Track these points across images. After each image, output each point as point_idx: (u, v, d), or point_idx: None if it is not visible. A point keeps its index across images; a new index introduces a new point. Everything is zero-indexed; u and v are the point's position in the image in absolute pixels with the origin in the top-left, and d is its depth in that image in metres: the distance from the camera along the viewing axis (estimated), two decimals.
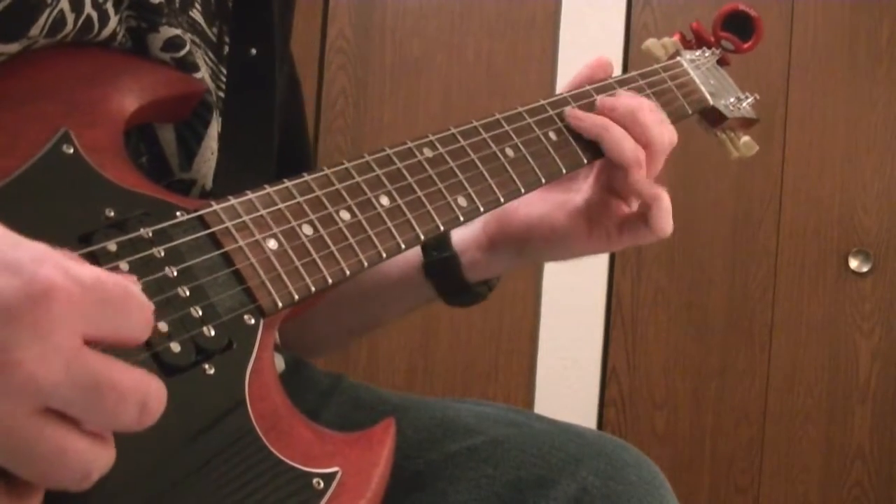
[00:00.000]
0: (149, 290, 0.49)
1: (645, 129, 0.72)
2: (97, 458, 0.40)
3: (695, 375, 2.23)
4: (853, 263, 2.24)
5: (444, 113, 2.16)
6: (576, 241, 0.75)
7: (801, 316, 2.25)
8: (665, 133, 0.74)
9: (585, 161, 0.72)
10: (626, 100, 0.75)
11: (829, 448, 2.24)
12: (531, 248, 0.77)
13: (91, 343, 0.39)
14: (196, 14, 0.67)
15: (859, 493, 2.25)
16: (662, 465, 0.70)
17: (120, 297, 0.40)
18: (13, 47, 0.54)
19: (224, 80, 0.69)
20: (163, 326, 0.49)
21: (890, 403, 2.26)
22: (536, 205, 0.75)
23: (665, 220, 0.72)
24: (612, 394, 2.22)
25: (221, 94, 0.68)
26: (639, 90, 0.80)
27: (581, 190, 0.76)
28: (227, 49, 0.69)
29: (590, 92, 0.76)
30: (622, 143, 0.72)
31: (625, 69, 2.20)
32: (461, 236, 0.78)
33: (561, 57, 2.18)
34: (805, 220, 2.25)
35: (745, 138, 0.90)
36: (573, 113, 0.73)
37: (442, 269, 0.78)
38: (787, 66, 2.25)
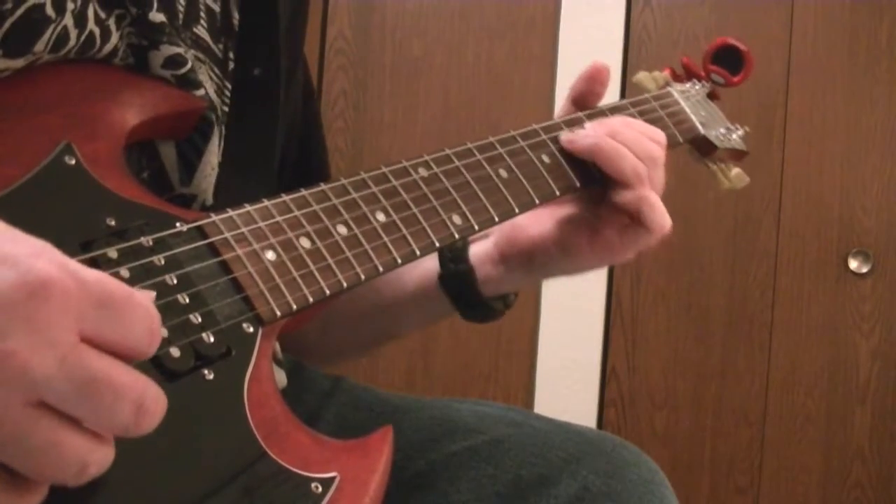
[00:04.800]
0: None
1: (632, 145, 0.73)
2: (92, 453, 0.39)
3: (695, 376, 2.23)
4: (853, 264, 2.24)
5: (443, 113, 2.16)
6: (578, 253, 0.76)
7: (801, 316, 2.25)
8: (647, 145, 0.74)
9: (578, 184, 0.73)
10: (609, 121, 0.76)
11: (829, 448, 2.24)
12: (538, 263, 0.77)
13: (91, 344, 0.39)
14: (201, 30, 0.67)
15: (859, 493, 2.25)
16: (662, 465, 0.70)
17: (122, 300, 0.40)
18: (18, 63, 0.54)
19: (229, 96, 0.69)
20: (163, 332, 0.49)
21: (890, 404, 2.26)
22: (541, 220, 0.76)
23: (659, 217, 0.73)
24: (611, 394, 2.22)
25: (226, 109, 0.69)
26: (630, 117, 0.81)
27: (580, 205, 0.77)
28: (231, 65, 0.69)
29: (581, 118, 0.77)
30: (619, 160, 0.72)
31: (624, 70, 2.20)
32: (476, 251, 0.78)
33: (561, 57, 2.18)
34: (805, 220, 2.25)
35: (736, 170, 0.92)
36: (567, 137, 0.74)
37: (458, 281, 0.78)
38: (786, 67, 2.25)
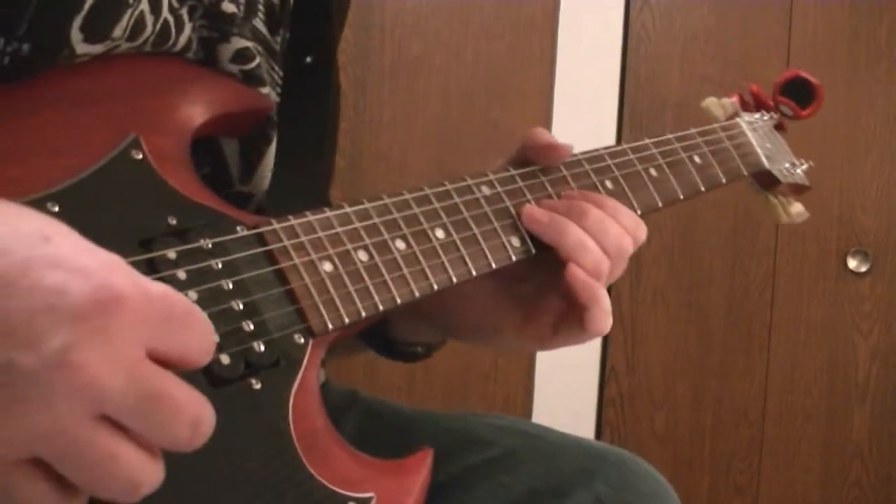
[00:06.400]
0: (204, 301, 0.50)
1: (601, 237, 0.65)
2: (146, 472, 0.40)
3: (694, 375, 2.23)
4: (852, 263, 2.24)
5: (443, 113, 2.16)
6: (506, 332, 0.69)
7: (801, 316, 2.25)
8: (625, 244, 0.66)
9: (534, 251, 0.66)
10: (584, 202, 0.67)
11: (828, 448, 2.24)
12: (458, 326, 0.71)
13: (152, 357, 0.40)
14: (259, 23, 0.66)
15: (858, 493, 2.25)
16: (662, 465, 0.71)
17: (185, 315, 0.41)
18: (97, 48, 0.54)
19: (280, 85, 0.69)
20: (215, 338, 0.49)
21: (889, 403, 2.26)
22: (476, 283, 0.66)
23: (602, 321, 0.65)
24: (611, 394, 2.22)
25: (278, 99, 0.68)
26: (695, 147, 0.78)
27: (527, 278, 0.69)
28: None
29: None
30: (580, 253, 0.64)
31: (623, 70, 2.20)
32: None
33: (560, 57, 2.18)
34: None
35: (798, 206, 0.92)
36: (529, 213, 0.66)
37: (370, 325, 0.73)
38: (786, 66, 2.25)
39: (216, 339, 0.48)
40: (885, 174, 2.27)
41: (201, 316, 0.42)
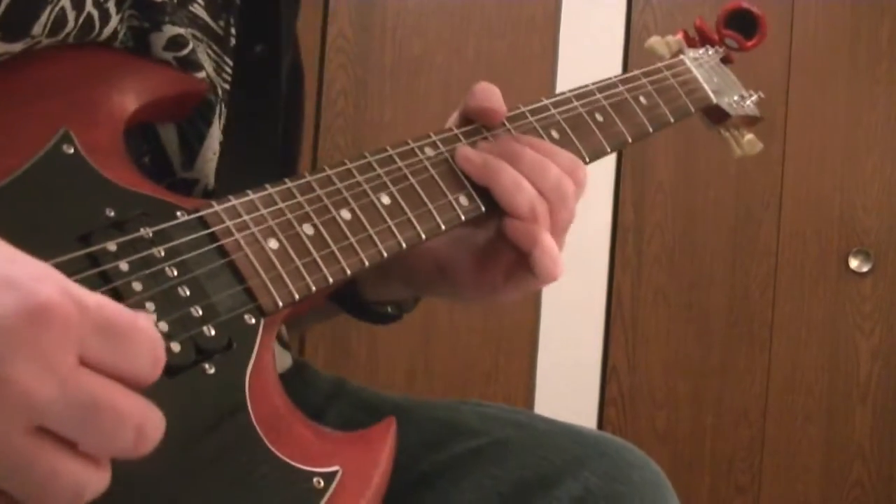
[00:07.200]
0: (148, 290, 0.49)
1: (536, 177, 0.65)
2: (89, 481, 0.39)
3: (695, 375, 2.23)
4: (853, 263, 2.24)
5: (444, 112, 2.15)
6: (462, 284, 0.69)
7: (802, 316, 2.25)
8: (565, 185, 0.65)
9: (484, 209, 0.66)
10: (518, 143, 0.67)
11: (829, 448, 2.24)
12: (419, 279, 0.71)
13: (94, 369, 0.39)
14: (198, 8, 0.66)
15: (859, 492, 2.25)
16: (663, 464, 0.70)
17: (124, 326, 0.40)
18: (16, 47, 0.53)
19: (230, 73, 0.68)
20: (163, 326, 0.49)
21: (890, 403, 2.26)
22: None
23: (550, 265, 0.64)
24: (612, 393, 2.22)
25: (226, 87, 0.68)
26: (640, 87, 0.79)
27: (485, 228, 0.68)
28: (233, 42, 0.68)
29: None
30: (515, 194, 0.64)
31: (625, 69, 2.20)
32: None
33: (561, 57, 2.18)
34: (805, 220, 2.25)
35: (749, 136, 0.90)
36: (463, 153, 0.66)
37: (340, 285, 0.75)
38: (787, 66, 2.25)
39: (165, 328, 0.48)
40: (887, 174, 2.27)
41: (147, 328, 0.40)
